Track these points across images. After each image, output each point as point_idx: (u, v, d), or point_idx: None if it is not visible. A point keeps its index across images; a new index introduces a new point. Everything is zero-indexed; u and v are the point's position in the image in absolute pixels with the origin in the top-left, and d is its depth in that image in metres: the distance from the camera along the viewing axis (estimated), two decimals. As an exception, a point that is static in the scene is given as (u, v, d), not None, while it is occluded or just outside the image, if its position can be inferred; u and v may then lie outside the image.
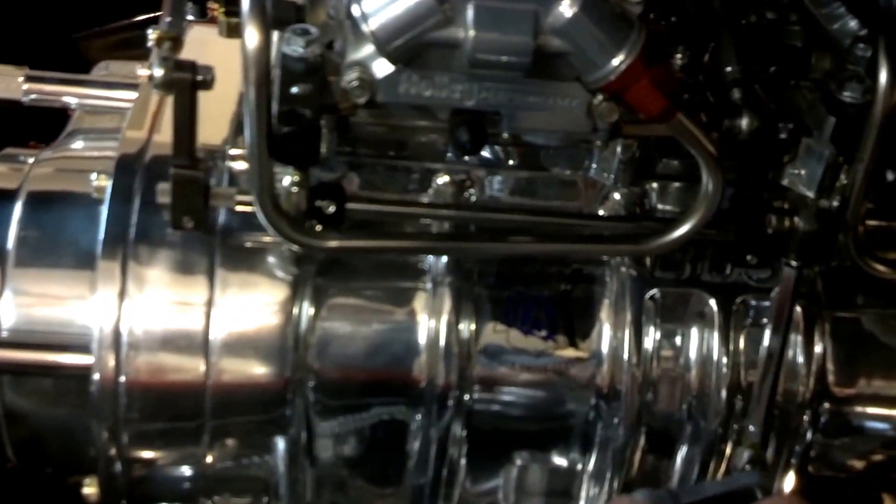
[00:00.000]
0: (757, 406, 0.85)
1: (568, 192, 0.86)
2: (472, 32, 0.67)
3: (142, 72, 0.76)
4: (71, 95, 0.93)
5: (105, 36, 1.54)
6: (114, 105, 0.93)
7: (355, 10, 0.68)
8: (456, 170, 0.85)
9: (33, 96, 0.93)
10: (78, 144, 0.92)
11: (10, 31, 1.30)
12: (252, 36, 0.68)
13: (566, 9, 0.68)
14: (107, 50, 1.50)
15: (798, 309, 0.89)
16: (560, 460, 0.90)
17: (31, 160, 0.91)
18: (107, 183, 0.83)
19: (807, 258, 0.82)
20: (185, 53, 0.79)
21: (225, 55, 0.78)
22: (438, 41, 0.68)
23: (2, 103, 0.96)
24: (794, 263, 0.82)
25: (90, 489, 0.87)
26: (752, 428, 0.86)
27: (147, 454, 0.85)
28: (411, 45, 0.69)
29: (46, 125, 1.02)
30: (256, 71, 0.69)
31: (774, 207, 0.82)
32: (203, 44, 0.89)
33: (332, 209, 0.78)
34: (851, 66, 0.79)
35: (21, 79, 0.91)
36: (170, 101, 0.82)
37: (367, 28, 0.68)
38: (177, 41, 0.77)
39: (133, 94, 0.93)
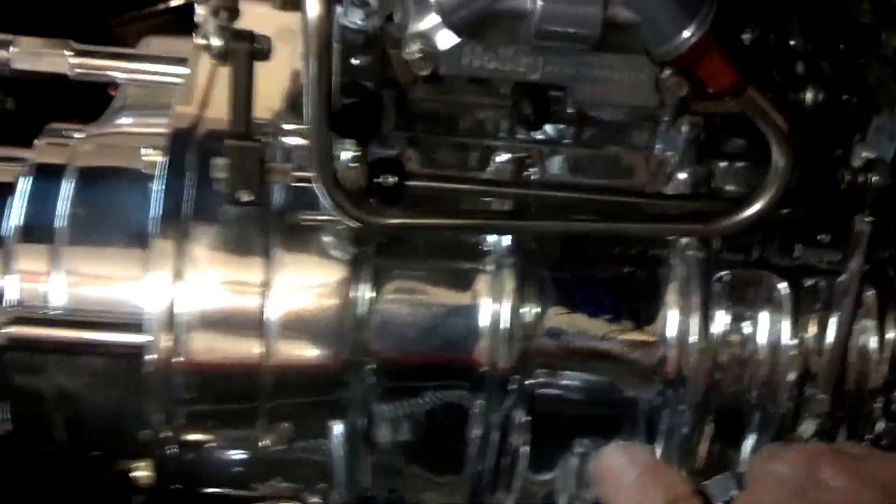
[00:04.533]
0: (826, 381, 0.86)
1: (632, 171, 0.87)
2: (539, 3, 0.69)
3: (198, 41, 0.78)
4: (118, 70, 0.95)
5: (140, 20, 1.57)
6: (161, 80, 0.96)
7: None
8: (517, 147, 0.87)
9: (80, 71, 0.95)
10: (126, 120, 0.94)
11: (45, 14, 1.33)
12: (314, 6, 0.70)
13: None
14: (141, 34, 1.54)
15: (870, 294, 0.91)
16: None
17: (77, 135, 0.94)
18: (158, 158, 0.85)
19: (881, 214, 0.82)
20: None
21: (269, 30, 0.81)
22: (505, 12, 0.70)
23: (46, 78, 0.99)
24: (868, 219, 0.83)
25: (143, 472, 0.90)
26: (820, 396, 0.87)
27: (201, 437, 0.87)
28: (477, 16, 0.70)
29: (86, 102, 1.05)
30: (318, 42, 0.71)
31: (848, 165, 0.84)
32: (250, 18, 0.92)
33: (392, 184, 0.81)
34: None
35: (69, 53, 0.94)
36: (220, 76, 0.85)
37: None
38: (234, 11, 0.79)
39: (180, 70, 0.96)
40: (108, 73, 0.96)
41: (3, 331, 0.79)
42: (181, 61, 0.95)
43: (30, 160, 0.89)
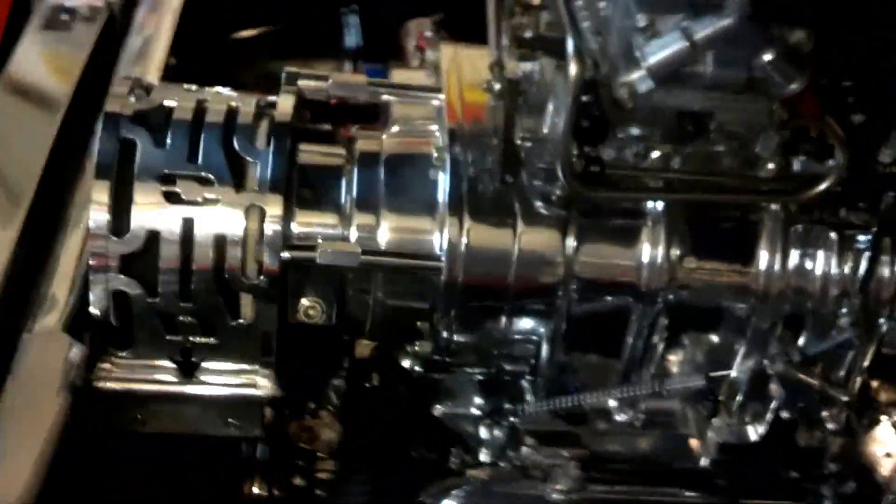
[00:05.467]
0: (857, 295, 1.36)
1: (743, 162, 1.34)
2: (710, 68, 1.19)
3: (490, 87, 1.26)
4: (394, 94, 1.43)
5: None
6: (420, 100, 1.44)
7: (637, 53, 1.19)
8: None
9: (368, 94, 1.43)
10: (404, 127, 1.42)
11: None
12: (574, 68, 1.18)
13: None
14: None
15: (887, 241, 1.40)
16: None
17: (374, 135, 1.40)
18: (444, 153, 1.34)
19: None
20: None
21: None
22: (689, 73, 1.20)
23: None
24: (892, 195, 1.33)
25: (421, 349, 1.40)
26: (853, 302, 1.36)
27: (465, 334, 1.38)
28: (670, 74, 1.19)
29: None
30: (574, 87, 1.19)
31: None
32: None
33: (597, 171, 1.30)
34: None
35: (363, 82, 1.41)
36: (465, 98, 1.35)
37: (644, 63, 1.18)
38: (500, 66, 1.27)
39: (430, 94, 1.44)
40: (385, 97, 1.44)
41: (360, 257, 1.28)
42: (433, 90, 1.43)
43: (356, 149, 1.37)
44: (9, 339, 1.25)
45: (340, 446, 1.50)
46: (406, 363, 1.45)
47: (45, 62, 1.70)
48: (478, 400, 1.49)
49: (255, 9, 2.06)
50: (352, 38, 2.01)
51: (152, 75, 1.63)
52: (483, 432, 1.47)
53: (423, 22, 1.77)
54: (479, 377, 1.48)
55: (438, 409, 1.49)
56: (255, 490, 1.47)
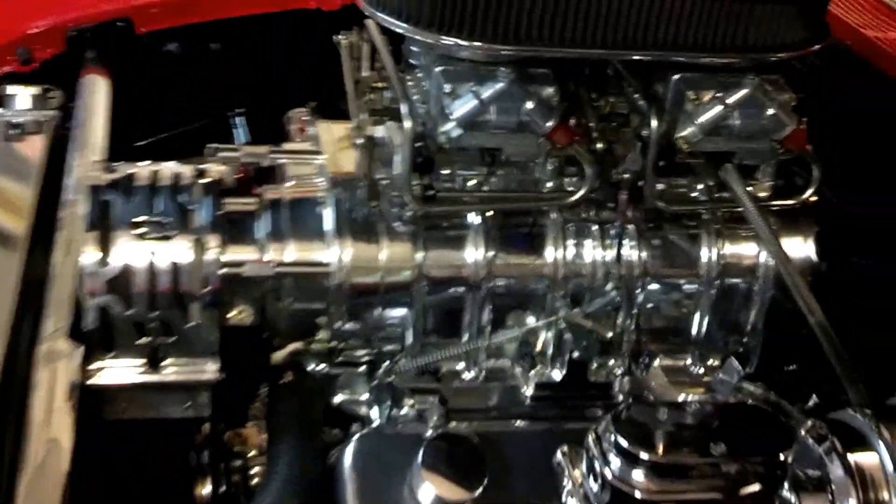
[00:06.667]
0: None
1: (528, 183, 1.91)
2: (494, 117, 1.81)
3: (355, 145, 1.86)
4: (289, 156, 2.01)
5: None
6: (307, 161, 2.02)
7: (447, 111, 1.80)
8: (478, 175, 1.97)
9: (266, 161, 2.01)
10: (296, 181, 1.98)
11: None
12: (408, 124, 1.79)
13: None
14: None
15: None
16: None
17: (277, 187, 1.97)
18: (328, 195, 1.91)
19: None
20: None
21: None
22: (481, 121, 1.80)
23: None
24: None
25: (320, 345, 1.94)
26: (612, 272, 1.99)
27: (352, 323, 1.92)
28: (469, 123, 1.81)
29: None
30: (409, 138, 1.78)
31: None
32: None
33: (431, 194, 1.90)
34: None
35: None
36: (342, 156, 1.95)
37: (452, 117, 1.79)
38: (361, 129, 1.88)
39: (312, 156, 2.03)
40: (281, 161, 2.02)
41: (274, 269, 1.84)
42: (316, 153, 2.02)
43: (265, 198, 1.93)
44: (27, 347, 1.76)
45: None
46: (310, 366, 1.94)
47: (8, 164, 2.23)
48: (365, 387, 1.96)
49: (157, 118, 2.63)
50: (240, 136, 2.60)
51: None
52: (375, 412, 1.90)
53: (301, 110, 2.36)
54: (365, 367, 2.04)
55: (337, 399, 1.98)
56: (204, 491, 1.88)
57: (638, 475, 1.56)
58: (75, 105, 2.31)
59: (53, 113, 2.29)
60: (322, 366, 1.95)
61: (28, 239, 1.88)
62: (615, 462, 1.57)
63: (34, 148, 2.22)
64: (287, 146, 2.09)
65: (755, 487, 1.58)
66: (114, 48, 2.45)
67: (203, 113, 2.63)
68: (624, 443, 1.56)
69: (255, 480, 1.89)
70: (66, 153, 2.17)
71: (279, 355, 1.95)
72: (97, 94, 2.37)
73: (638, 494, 1.56)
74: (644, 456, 1.55)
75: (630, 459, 1.56)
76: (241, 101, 2.66)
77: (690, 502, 1.59)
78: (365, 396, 1.96)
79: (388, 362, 1.94)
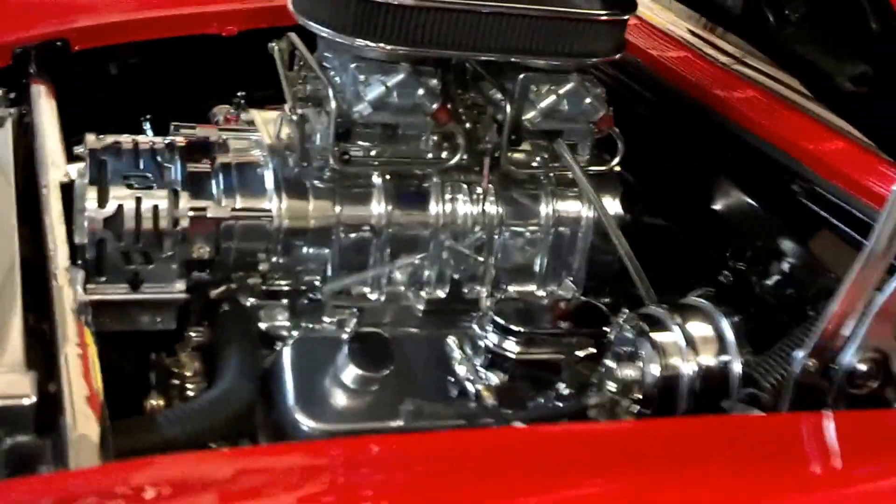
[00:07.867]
0: None
1: (418, 151, 2.66)
2: (394, 99, 2.49)
3: (289, 120, 2.50)
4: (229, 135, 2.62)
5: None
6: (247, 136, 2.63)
7: (361, 94, 2.47)
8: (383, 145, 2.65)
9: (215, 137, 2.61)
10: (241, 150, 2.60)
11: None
12: (333, 104, 2.44)
13: None
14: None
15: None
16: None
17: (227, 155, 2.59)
18: (268, 160, 2.54)
19: None
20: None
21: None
22: (385, 102, 2.48)
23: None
24: None
25: (254, 281, 2.56)
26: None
27: (286, 258, 2.55)
28: (377, 103, 2.49)
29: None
30: (335, 114, 2.44)
31: None
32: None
33: (347, 158, 2.56)
34: None
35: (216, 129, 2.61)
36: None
37: (365, 98, 2.47)
38: (293, 110, 2.52)
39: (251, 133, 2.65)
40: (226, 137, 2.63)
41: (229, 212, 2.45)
42: (254, 131, 2.63)
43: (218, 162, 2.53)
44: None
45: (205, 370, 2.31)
46: (245, 300, 2.44)
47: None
48: (285, 315, 2.49)
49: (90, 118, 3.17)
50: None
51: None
52: (295, 333, 2.37)
53: (224, 106, 2.96)
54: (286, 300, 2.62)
55: (263, 325, 2.44)
56: (153, 402, 2.22)
57: (510, 344, 2.26)
58: (29, 108, 2.83)
59: (14, 109, 2.82)
60: (251, 300, 2.53)
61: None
62: (493, 336, 2.26)
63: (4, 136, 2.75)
64: (228, 127, 2.71)
65: (589, 351, 2.30)
66: (54, 63, 2.92)
67: (125, 116, 3.18)
68: (500, 321, 2.26)
69: (192, 395, 2.29)
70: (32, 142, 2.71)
71: (217, 291, 2.49)
72: (42, 98, 2.89)
73: (509, 356, 2.26)
74: (514, 329, 2.25)
75: (504, 332, 2.26)
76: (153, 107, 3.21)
77: (545, 360, 2.29)
78: (286, 323, 2.46)
79: (317, 284, 2.56)
